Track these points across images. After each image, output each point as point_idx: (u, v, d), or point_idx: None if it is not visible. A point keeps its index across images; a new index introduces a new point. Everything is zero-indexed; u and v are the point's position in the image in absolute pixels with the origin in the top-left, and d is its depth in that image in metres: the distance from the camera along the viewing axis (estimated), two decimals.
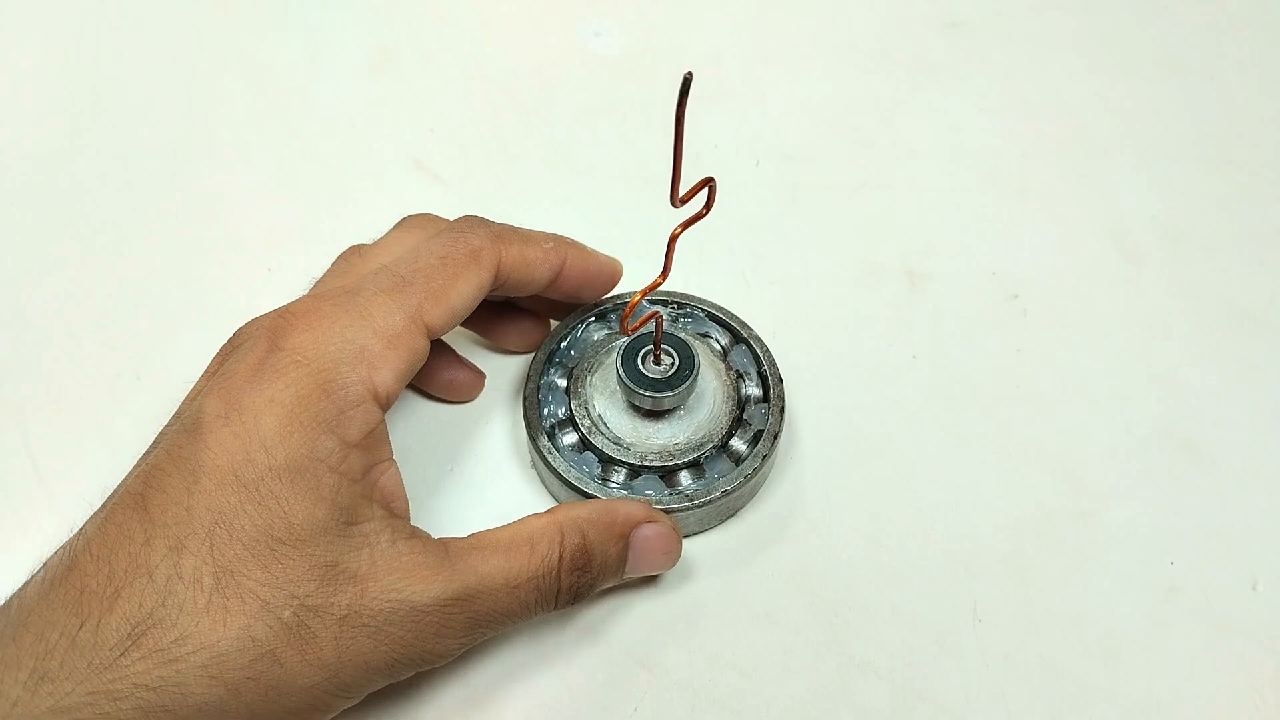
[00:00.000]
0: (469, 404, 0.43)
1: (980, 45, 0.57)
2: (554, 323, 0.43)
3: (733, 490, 0.38)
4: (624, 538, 0.35)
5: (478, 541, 0.33)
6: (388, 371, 0.32)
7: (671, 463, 0.38)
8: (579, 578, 0.34)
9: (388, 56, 0.56)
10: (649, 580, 0.38)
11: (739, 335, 0.42)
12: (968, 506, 0.41)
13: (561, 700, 0.36)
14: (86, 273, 0.47)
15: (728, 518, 0.40)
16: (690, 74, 0.27)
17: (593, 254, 0.40)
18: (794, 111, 0.55)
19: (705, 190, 0.35)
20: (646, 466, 0.38)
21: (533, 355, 0.41)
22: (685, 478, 0.39)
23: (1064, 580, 0.39)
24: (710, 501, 0.38)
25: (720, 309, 0.42)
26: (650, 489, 0.38)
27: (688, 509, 0.37)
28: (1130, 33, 0.58)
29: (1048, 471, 0.42)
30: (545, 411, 0.40)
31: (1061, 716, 0.36)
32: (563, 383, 0.41)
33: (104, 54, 0.55)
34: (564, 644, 0.37)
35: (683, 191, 0.33)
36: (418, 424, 0.42)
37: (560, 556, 0.33)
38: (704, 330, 0.42)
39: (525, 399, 0.40)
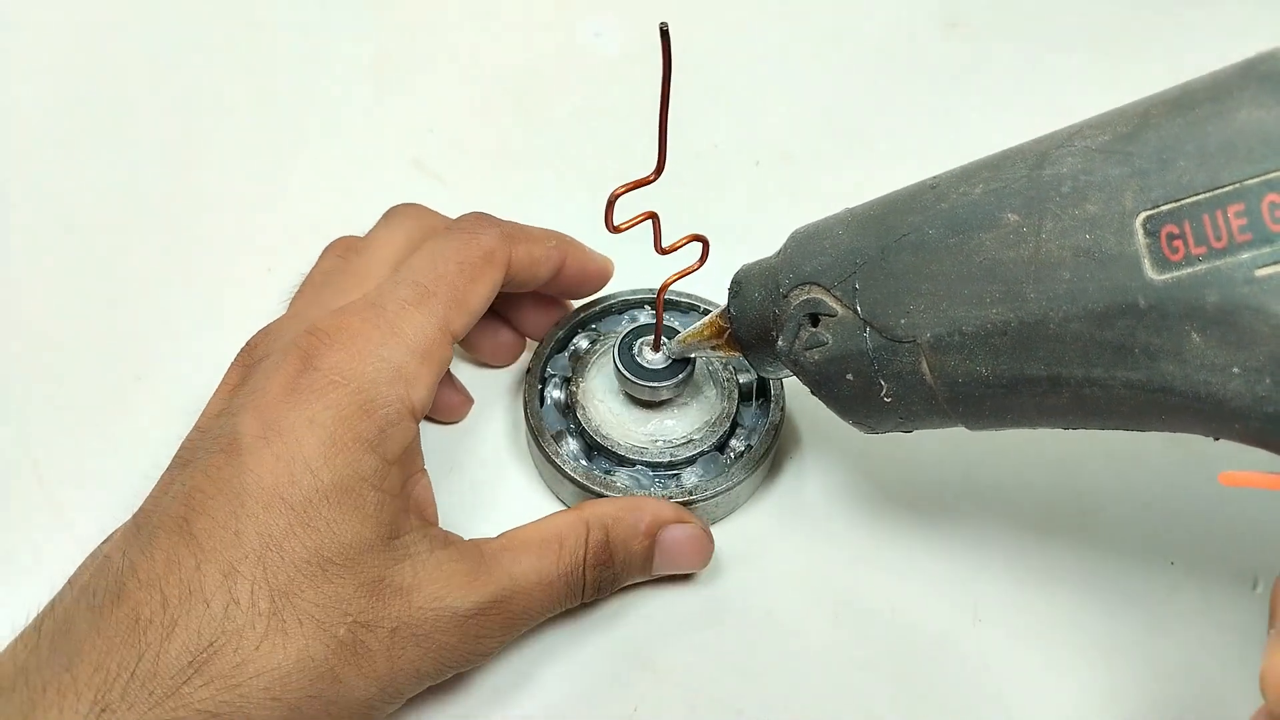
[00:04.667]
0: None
1: (980, 45, 0.57)
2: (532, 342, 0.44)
3: (737, 484, 0.38)
4: (650, 536, 0.36)
5: (509, 542, 0.34)
6: (423, 387, 0.33)
7: (687, 455, 0.39)
8: (601, 572, 0.35)
9: (388, 56, 0.56)
10: (656, 581, 0.38)
11: None
12: (969, 506, 0.41)
13: (561, 699, 0.36)
14: (86, 272, 0.47)
15: (730, 512, 0.40)
16: (665, 24, 0.27)
17: (590, 254, 0.41)
18: (794, 111, 0.55)
19: (700, 243, 0.36)
20: (658, 463, 0.39)
21: (527, 365, 0.41)
22: (689, 474, 0.39)
23: (1064, 581, 0.39)
24: (718, 494, 0.38)
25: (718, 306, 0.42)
26: (660, 486, 0.38)
27: (705, 500, 0.38)
28: (1131, 34, 0.58)
29: (1048, 471, 0.42)
30: (548, 420, 0.40)
31: (1062, 717, 0.36)
32: (560, 394, 0.41)
33: (103, 54, 0.55)
34: (563, 643, 0.37)
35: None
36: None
37: (585, 552, 0.34)
38: None
39: (526, 405, 0.40)
